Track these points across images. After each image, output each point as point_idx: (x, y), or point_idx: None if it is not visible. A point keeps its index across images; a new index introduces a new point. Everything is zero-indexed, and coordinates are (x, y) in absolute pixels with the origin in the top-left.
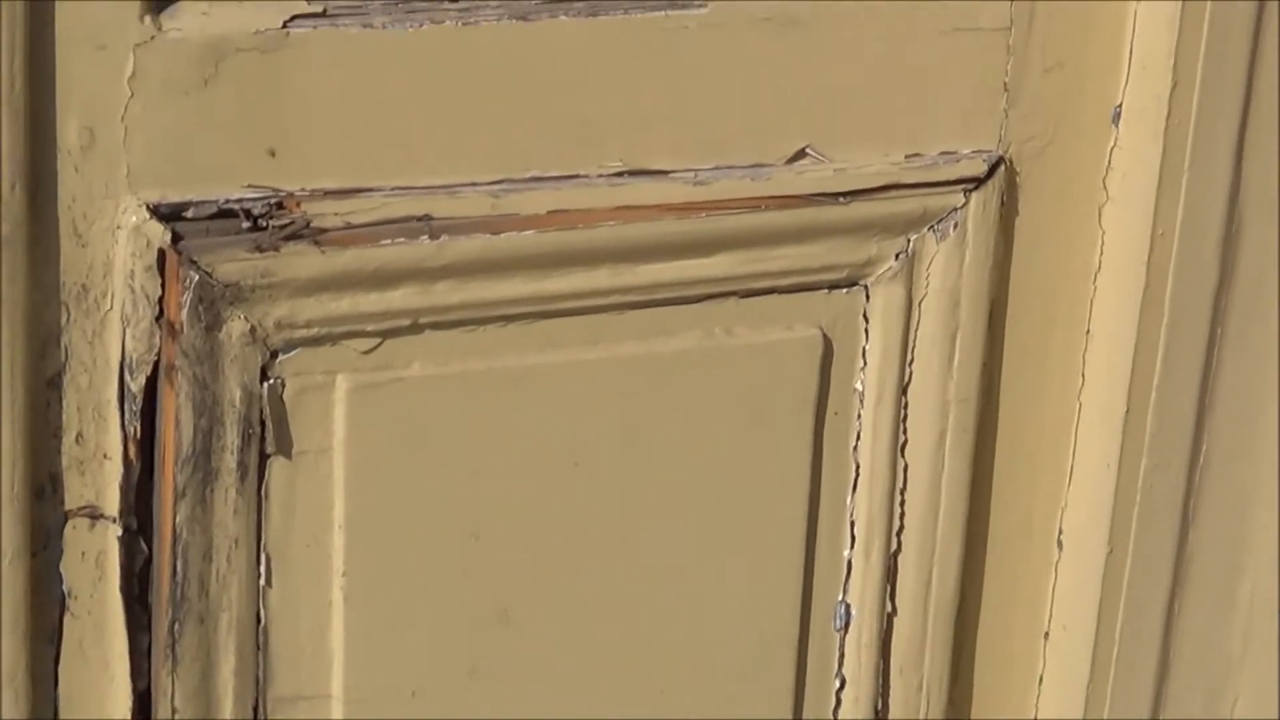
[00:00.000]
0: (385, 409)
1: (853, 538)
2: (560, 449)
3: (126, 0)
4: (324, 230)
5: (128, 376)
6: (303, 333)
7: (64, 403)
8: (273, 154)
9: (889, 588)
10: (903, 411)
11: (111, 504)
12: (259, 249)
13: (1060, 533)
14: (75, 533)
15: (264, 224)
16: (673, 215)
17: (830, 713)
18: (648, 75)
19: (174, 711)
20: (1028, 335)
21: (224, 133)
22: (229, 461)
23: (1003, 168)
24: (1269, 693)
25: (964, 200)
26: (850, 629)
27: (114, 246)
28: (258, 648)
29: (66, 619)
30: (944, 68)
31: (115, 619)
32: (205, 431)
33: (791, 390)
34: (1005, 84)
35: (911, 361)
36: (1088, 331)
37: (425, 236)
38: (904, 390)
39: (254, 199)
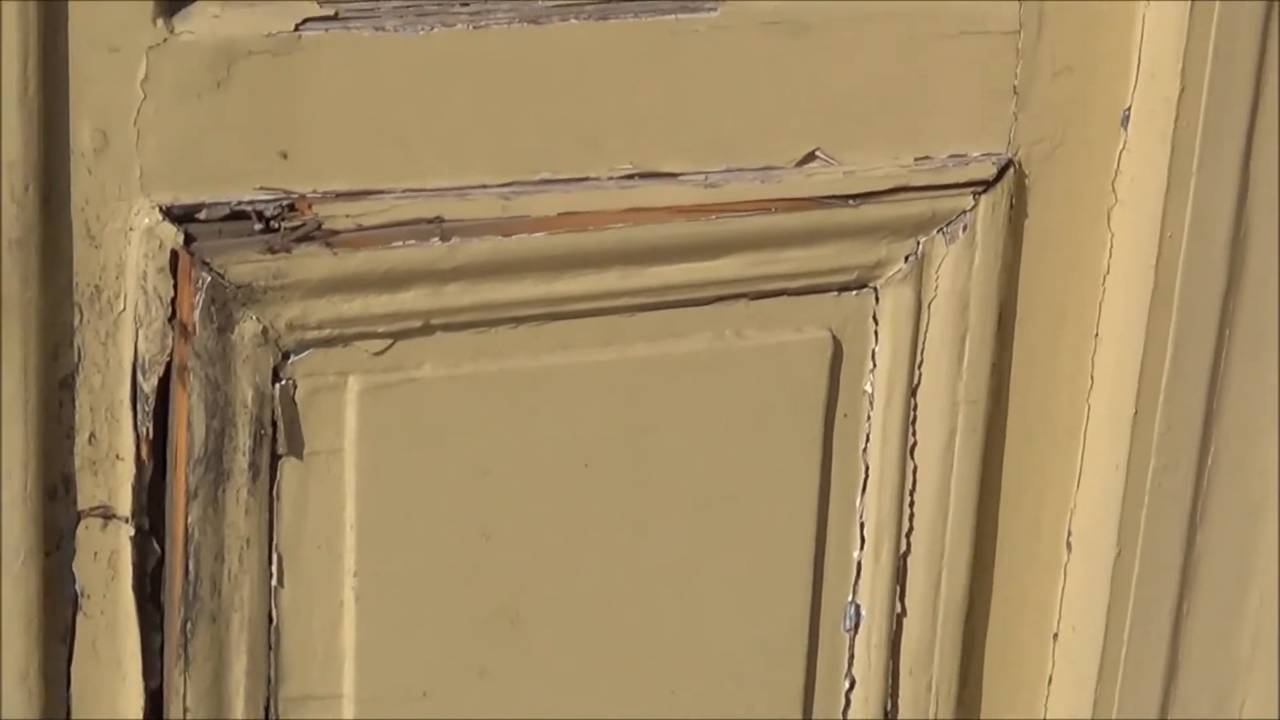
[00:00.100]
0: (396, 410)
1: (862, 539)
2: (571, 450)
3: (139, 3)
4: (335, 232)
5: (140, 377)
6: (314, 334)
7: (77, 403)
8: (284, 156)
9: (899, 589)
10: (912, 413)
11: (124, 504)
12: (271, 250)
13: (1069, 534)
14: (88, 533)
15: (276, 226)
16: (683, 217)
17: (840, 713)
18: (658, 78)
19: (186, 711)
20: (1037, 337)
21: (236, 135)
22: (241, 462)
23: (1012, 170)
24: (1277, 694)
25: (973, 203)
26: (860, 630)
27: (127, 248)
28: (269, 647)
29: (79, 619)
30: (953, 71)
31: (127, 618)
32: (217, 432)
33: (801, 392)
34: (1014, 87)
35: (921, 363)
36: (1096, 334)
37: (436, 238)
38: (913, 392)
39: (266, 201)
